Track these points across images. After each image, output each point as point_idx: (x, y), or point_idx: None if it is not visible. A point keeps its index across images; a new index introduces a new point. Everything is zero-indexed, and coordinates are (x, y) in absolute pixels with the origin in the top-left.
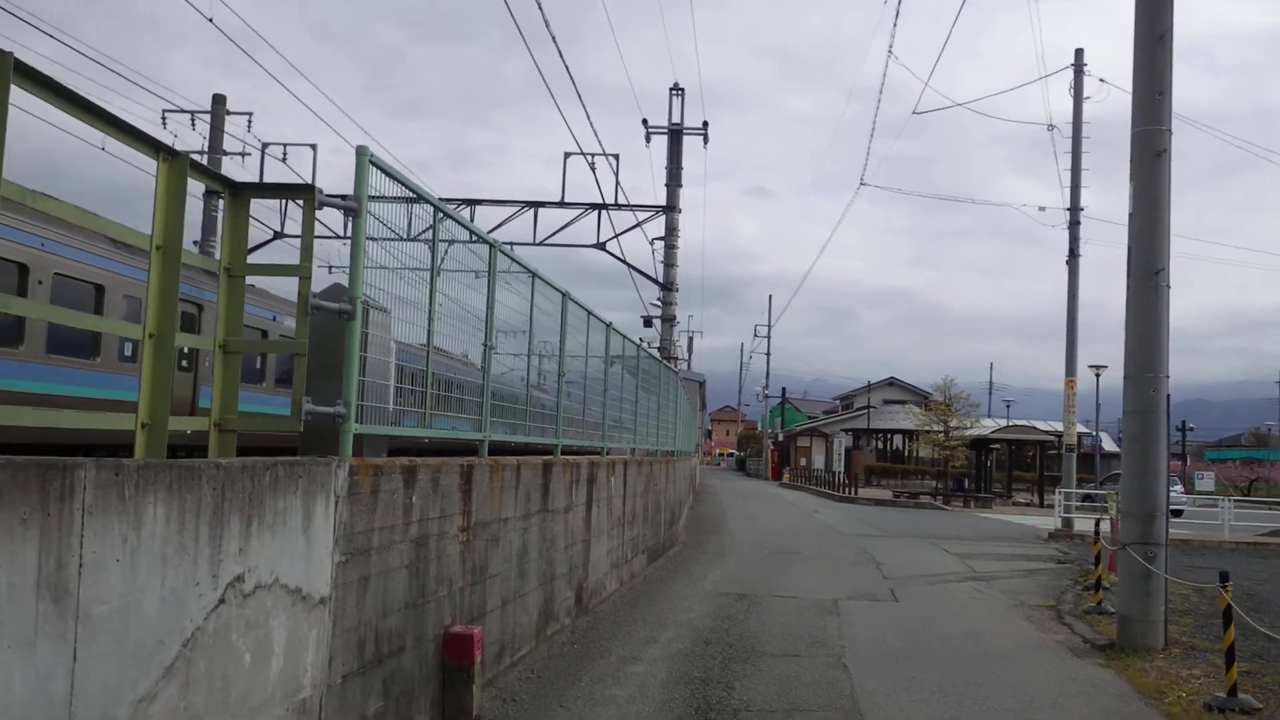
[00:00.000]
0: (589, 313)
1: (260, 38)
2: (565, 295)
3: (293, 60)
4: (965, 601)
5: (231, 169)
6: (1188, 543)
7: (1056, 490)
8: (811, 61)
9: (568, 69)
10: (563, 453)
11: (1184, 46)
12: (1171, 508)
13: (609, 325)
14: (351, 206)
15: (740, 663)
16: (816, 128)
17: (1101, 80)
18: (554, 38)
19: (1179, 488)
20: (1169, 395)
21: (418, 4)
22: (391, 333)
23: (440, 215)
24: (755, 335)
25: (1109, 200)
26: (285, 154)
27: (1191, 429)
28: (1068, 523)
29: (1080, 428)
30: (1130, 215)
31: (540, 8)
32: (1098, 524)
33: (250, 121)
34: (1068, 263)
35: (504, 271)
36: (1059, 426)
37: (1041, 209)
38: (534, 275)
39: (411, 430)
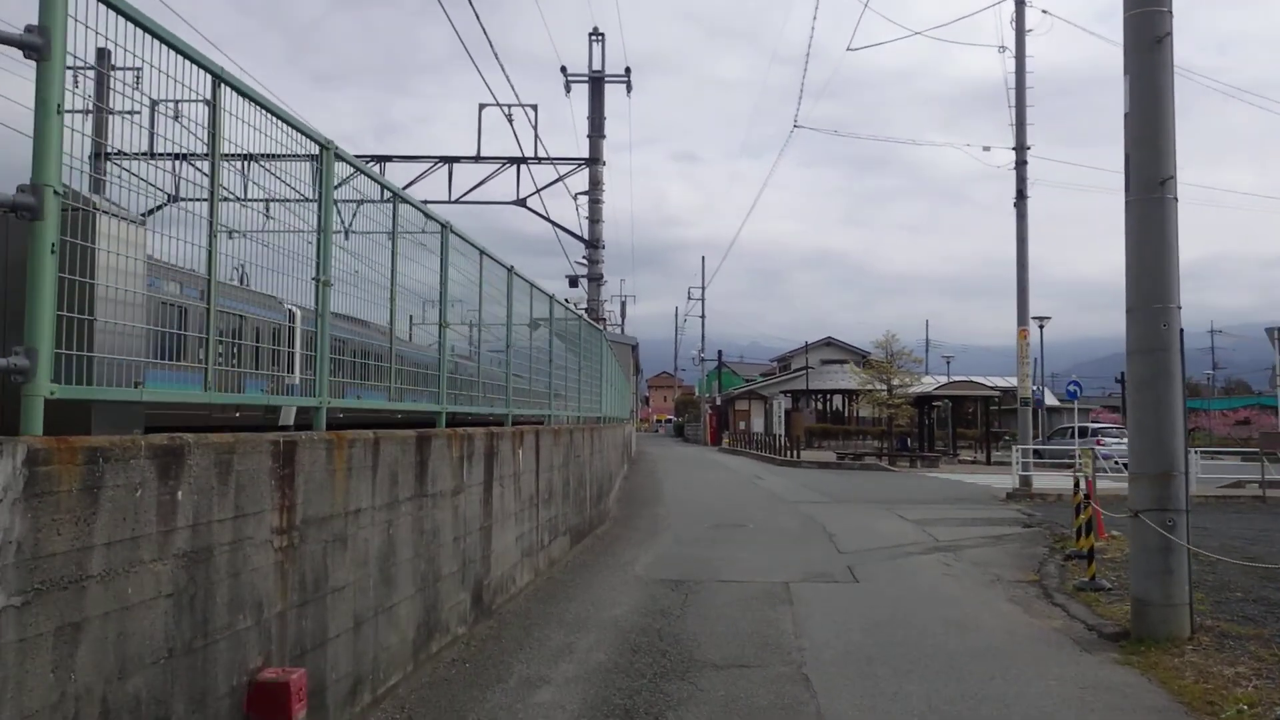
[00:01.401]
0: (482, 252)
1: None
2: (445, 227)
3: (218, 33)
4: (935, 578)
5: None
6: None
7: (1014, 447)
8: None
9: (485, 33)
10: (455, 422)
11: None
12: (1121, 460)
13: (511, 270)
14: (32, 42)
15: (675, 679)
16: (744, 91)
17: (1044, 11)
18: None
19: (1125, 440)
20: (1182, 330)
21: None
22: (149, 251)
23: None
24: (689, 298)
25: (1049, 149)
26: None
27: (1121, 380)
28: (1026, 481)
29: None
30: (1126, 116)
31: None
32: (1077, 483)
33: (139, 78)
34: (1015, 205)
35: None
36: (1001, 382)
37: (986, 149)
38: (394, 193)
39: (171, 393)
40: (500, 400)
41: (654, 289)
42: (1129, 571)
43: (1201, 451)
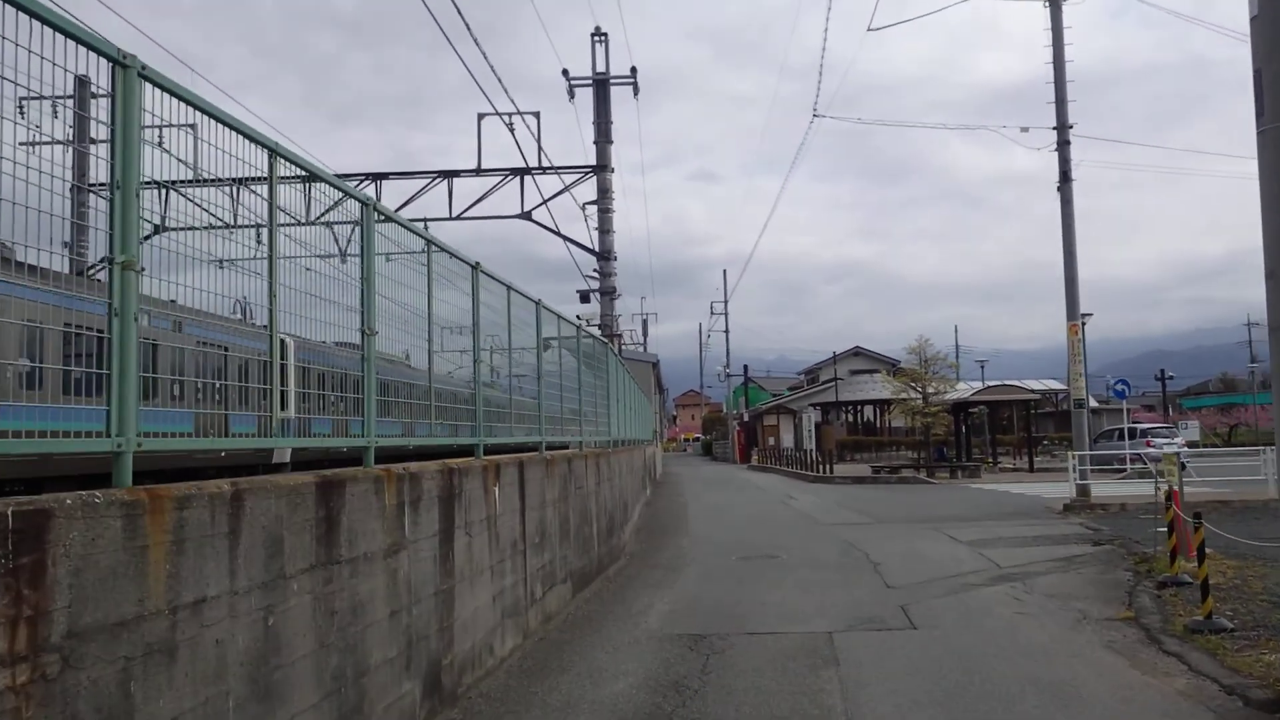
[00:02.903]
0: (448, 253)
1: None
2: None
3: (235, 75)
4: (1009, 619)
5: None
6: (1227, 504)
7: (1070, 454)
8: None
9: (491, 66)
10: (403, 456)
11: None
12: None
13: (477, 266)
14: None
15: None
16: (759, 106)
17: None
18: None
19: (1180, 440)
20: None
21: (348, 8)
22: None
23: None
24: (712, 313)
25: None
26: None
27: (1171, 377)
28: (1084, 491)
29: (1054, 383)
30: (1254, 20)
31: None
32: (1168, 495)
33: (160, 135)
34: (1059, 189)
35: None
36: (1037, 385)
37: (1024, 129)
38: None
39: None
40: (467, 428)
41: (679, 309)
42: (1248, 604)
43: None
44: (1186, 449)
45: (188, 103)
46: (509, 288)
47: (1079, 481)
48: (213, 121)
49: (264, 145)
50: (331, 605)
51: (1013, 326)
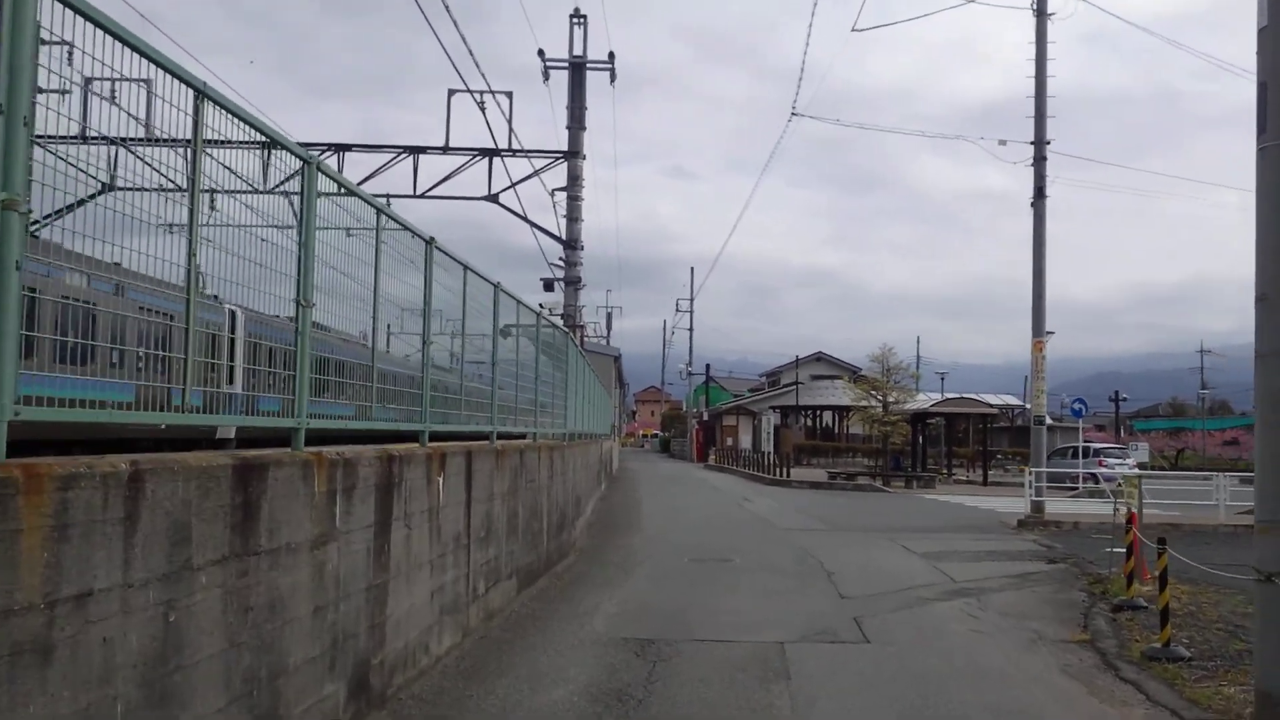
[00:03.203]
0: (400, 224)
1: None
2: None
3: (205, 39)
4: (964, 637)
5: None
6: (1177, 527)
7: (1026, 470)
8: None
9: (463, 37)
10: (343, 440)
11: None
12: (1119, 483)
13: (431, 241)
14: None
15: None
16: (736, 107)
17: None
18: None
19: (1131, 460)
20: None
21: None
22: None
23: None
24: (677, 310)
25: (1022, 181)
26: (115, 91)
27: (1125, 399)
28: (1038, 508)
29: (1010, 399)
30: (1262, 32)
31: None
32: (1130, 520)
33: (70, 54)
34: (1033, 204)
35: None
36: (994, 400)
37: (1002, 143)
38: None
39: None
40: (416, 413)
41: (646, 304)
42: (1204, 631)
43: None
44: (1138, 470)
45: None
46: (465, 267)
47: (1034, 498)
48: (130, 52)
49: (191, 85)
50: (246, 600)
51: (971, 341)
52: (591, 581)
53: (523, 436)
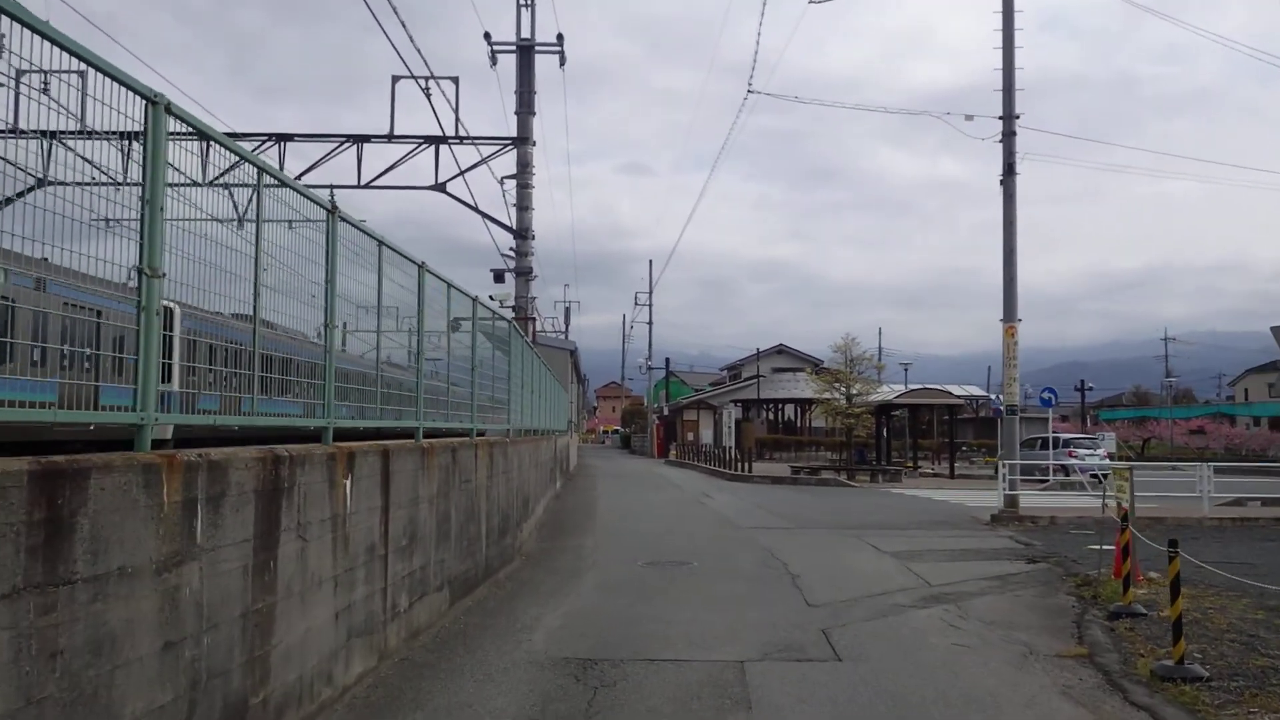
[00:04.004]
0: (292, 188)
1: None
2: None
3: (156, 43)
4: (946, 653)
5: None
6: (1160, 520)
7: (1000, 463)
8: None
9: (402, 23)
10: (232, 440)
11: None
12: (1094, 473)
13: (332, 211)
14: None
15: None
16: (692, 102)
17: None
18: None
19: (1102, 451)
20: None
21: None
22: None
23: None
24: (636, 304)
25: (977, 170)
26: (46, 83)
27: (1091, 388)
28: (1012, 502)
29: (974, 389)
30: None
31: None
32: (1125, 516)
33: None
34: (1002, 182)
35: None
36: (959, 390)
37: (969, 118)
38: None
39: None
40: (318, 406)
41: (606, 301)
42: (1216, 644)
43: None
44: (1108, 461)
45: None
46: (381, 242)
47: (1007, 492)
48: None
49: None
50: (53, 643)
51: (931, 332)
52: (535, 590)
53: (463, 433)
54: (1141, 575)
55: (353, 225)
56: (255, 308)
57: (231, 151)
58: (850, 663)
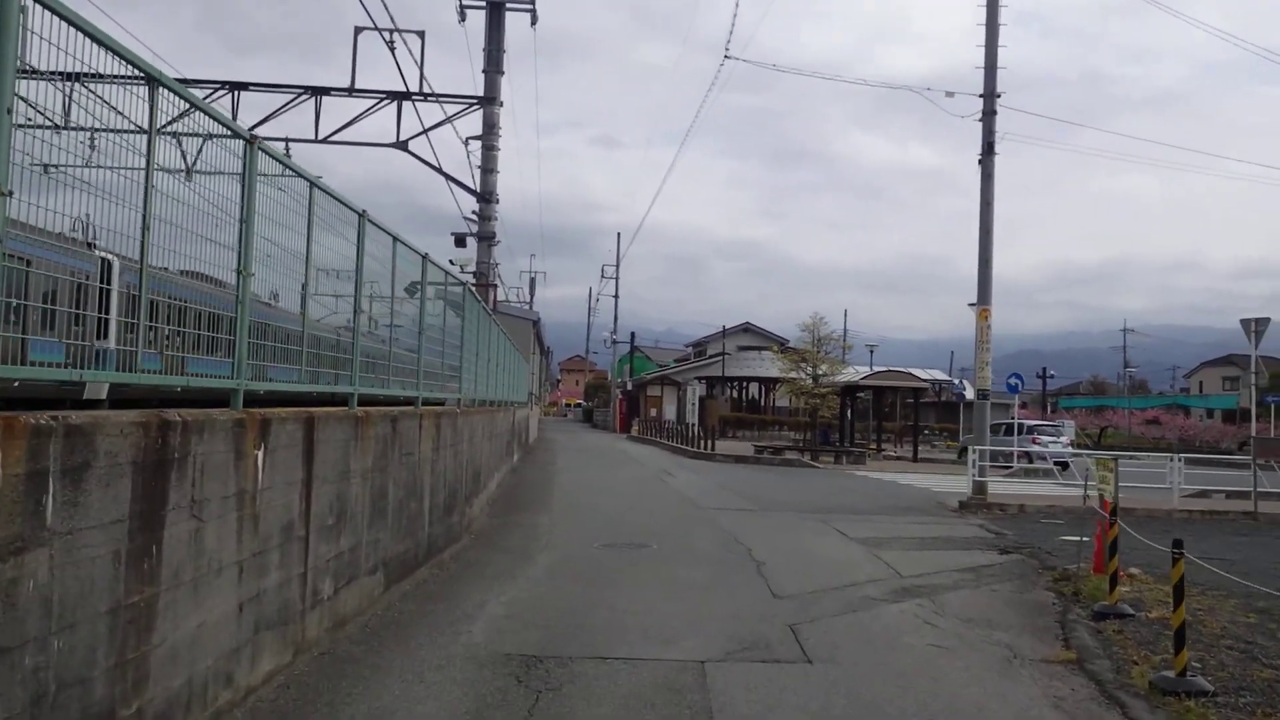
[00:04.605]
0: (178, 93)
1: None
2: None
3: None
4: (923, 655)
5: None
6: (1130, 512)
7: (971, 449)
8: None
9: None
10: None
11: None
12: (1057, 460)
13: (250, 140)
14: None
15: None
16: (667, 76)
17: None
18: None
19: (1065, 438)
20: None
21: None
22: None
23: None
24: (603, 276)
25: (949, 158)
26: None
27: (1053, 376)
28: (981, 488)
29: (938, 373)
30: None
31: None
32: (1114, 510)
33: None
34: (981, 162)
35: None
36: (926, 374)
37: (949, 95)
38: None
39: None
40: (224, 365)
41: (573, 273)
42: (1213, 651)
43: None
44: (1071, 449)
45: None
46: (313, 184)
47: (977, 478)
48: None
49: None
50: None
51: (896, 317)
52: (481, 572)
53: (406, 402)
54: (1123, 571)
55: (276, 159)
56: (144, 244)
57: (127, 62)
58: (821, 665)
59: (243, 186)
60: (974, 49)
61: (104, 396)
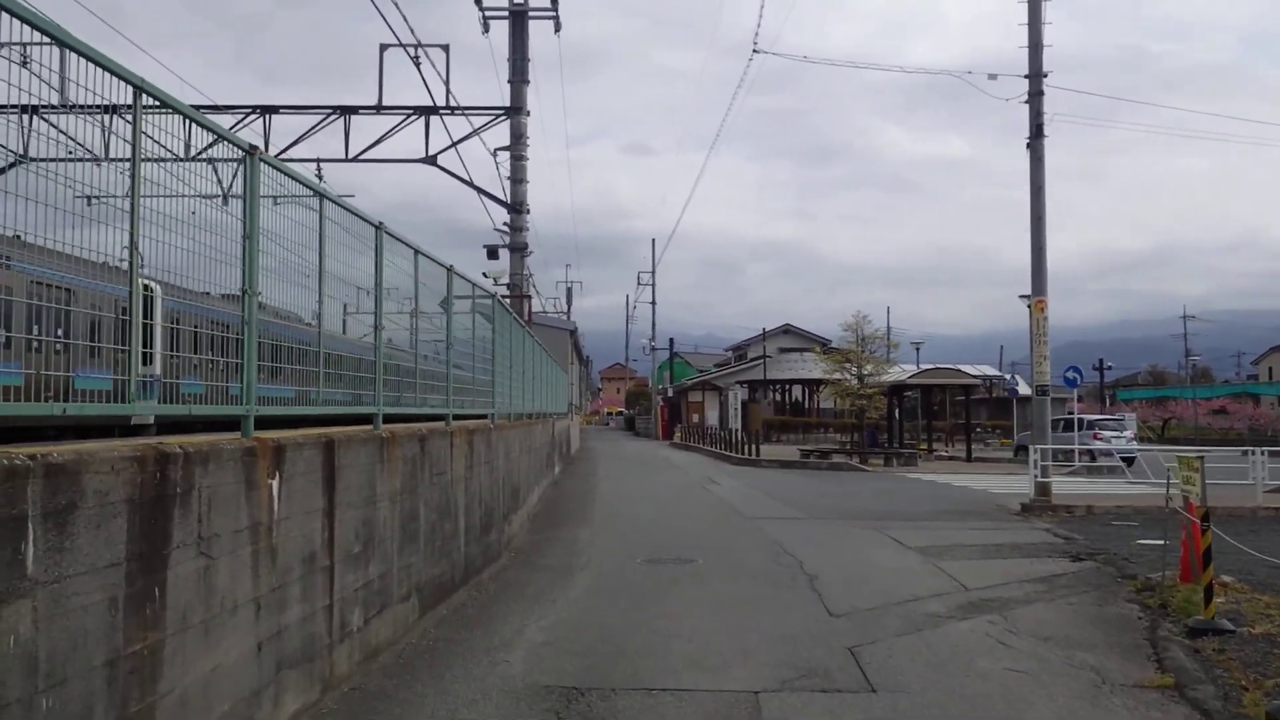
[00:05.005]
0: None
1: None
2: None
3: (166, 29)
4: (1000, 680)
5: None
6: (1210, 510)
7: (1031, 448)
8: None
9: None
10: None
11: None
12: (1124, 456)
13: (250, 151)
14: None
15: None
16: (695, 81)
17: None
18: None
19: (1128, 432)
20: None
21: None
22: None
23: None
24: (639, 283)
25: (983, 148)
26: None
27: (1110, 367)
28: (1044, 489)
29: (988, 369)
30: None
31: None
32: (1206, 515)
33: None
34: (1029, 145)
35: None
36: (975, 370)
37: (992, 77)
38: None
39: None
40: (235, 388)
41: (609, 282)
42: None
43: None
44: (1135, 444)
45: None
46: (323, 195)
47: (1039, 479)
48: None
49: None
50: None
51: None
52: (520, 593)
53: (435, 419)
54: (1216, 580)
55: (278, 169)
56: (131, 263)
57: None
58: (887, 695)
59: (245, 201)
60: (999, 38)
61: (151, 422)
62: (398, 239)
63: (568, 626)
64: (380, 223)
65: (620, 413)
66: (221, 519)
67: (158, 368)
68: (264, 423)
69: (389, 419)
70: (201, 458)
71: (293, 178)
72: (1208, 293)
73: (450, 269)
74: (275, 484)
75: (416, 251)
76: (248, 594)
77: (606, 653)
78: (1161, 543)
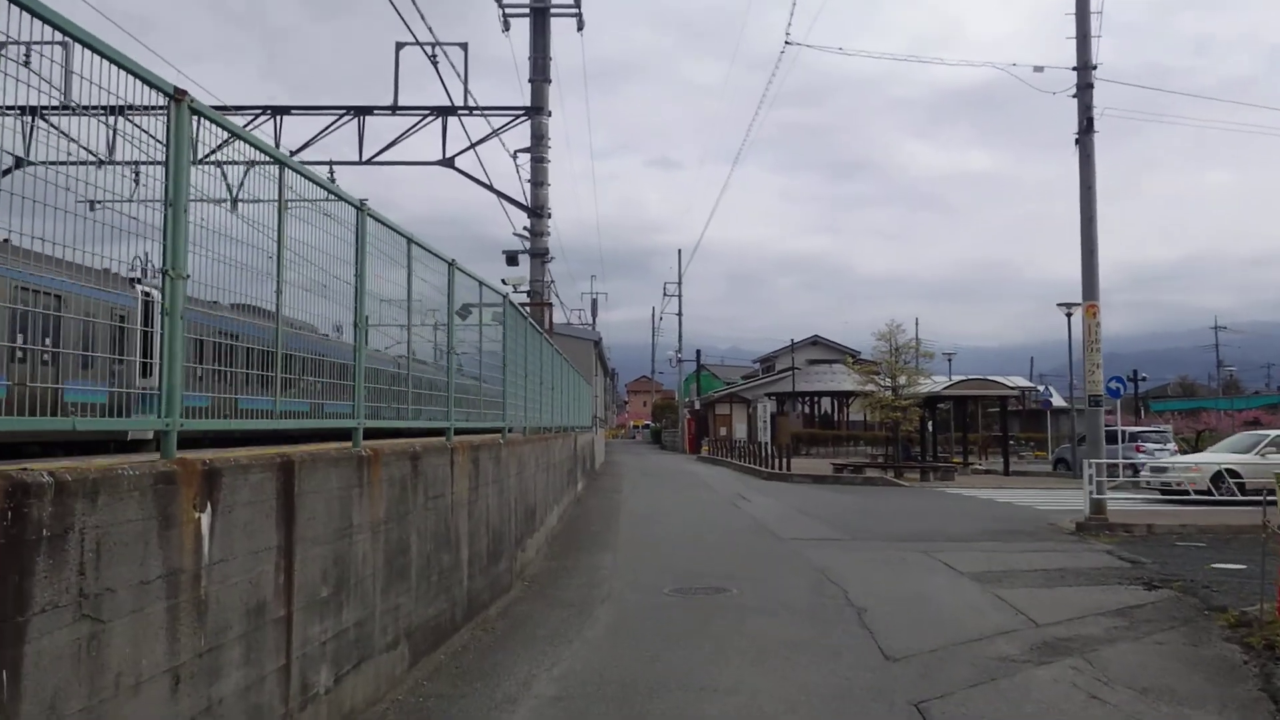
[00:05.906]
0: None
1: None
2: None
3: (196, 44)
4: None
5: None
6: (1262, 527)
7: (1085, 462)
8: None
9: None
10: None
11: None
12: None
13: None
14: None
15: None
16: (720, 94)
17: None
18: None
19: (1171, 445)
20: None
21: None
22: None
23: None
24: (665, 295)
25: (1027, 152)
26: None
27: (1144, 378)
28: (1099, 507)
29: (1021, 380)
30: None
31: None
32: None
33: None
34: (1078, 142)
35: None
36: (1010, 381)
37: (1038, 69)
38: None
39: None
40: (150, 397)
41: (634, 296)
42: None
43: None
44: (1179, 456)
45: None
46: (283, 162)
47: (1095, 495)
48: None
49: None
50: None
51: (965, 325)
52: (532, 634)
53: (433, 433)
54: None
55: (217, 123)
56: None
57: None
58: None
59: (167, 161)
60: (1028, 47)
61: (150, 437)
62: (387, 225)
63: (584, 678)
64: (363, 201)
65: (646, 426)
66: (119, 568)
67: (157, 380)
68: (203, 441)
69: (374, 434)
70: (86, 488)
71: (238, 135)
72: (1238, 304)
73: (452, 263)
74: (206, 519)
75: (410, 240)
76: (160, 664)
77: (628, 714)
78: (1242, 567)
